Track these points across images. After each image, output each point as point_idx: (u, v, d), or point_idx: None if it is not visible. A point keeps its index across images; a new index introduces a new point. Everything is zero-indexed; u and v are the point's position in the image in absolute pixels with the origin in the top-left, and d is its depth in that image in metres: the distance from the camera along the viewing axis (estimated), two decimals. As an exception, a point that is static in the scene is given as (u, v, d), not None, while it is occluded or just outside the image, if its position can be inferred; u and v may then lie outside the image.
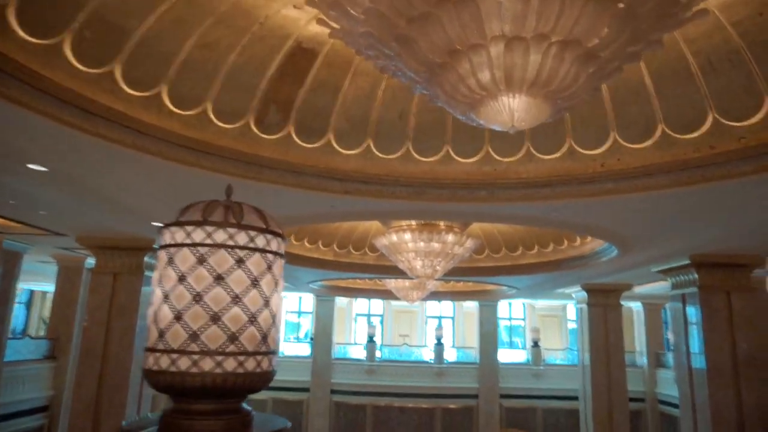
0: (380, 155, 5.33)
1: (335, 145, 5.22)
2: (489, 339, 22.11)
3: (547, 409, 21.85)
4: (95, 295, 12.13)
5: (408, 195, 5.43)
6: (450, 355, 22.60)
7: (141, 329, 12.15)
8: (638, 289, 19.36)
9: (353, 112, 5.10)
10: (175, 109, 4.42)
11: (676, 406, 20.29)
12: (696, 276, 12.02)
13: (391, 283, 14.99)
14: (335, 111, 5.05)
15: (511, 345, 26.17)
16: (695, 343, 12.07)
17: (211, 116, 4.59)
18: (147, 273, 12.37)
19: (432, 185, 5.38)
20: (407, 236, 8.41)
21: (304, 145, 5.13)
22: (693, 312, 12.21)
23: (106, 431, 11.34)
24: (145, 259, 12.33)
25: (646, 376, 22.08)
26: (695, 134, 4.66)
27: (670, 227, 7.21)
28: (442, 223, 8.57)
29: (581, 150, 5.13)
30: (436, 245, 8.36)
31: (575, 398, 20.16)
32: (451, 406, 21.54)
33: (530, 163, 5.26)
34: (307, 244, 11.31)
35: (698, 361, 11.90)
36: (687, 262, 11.85)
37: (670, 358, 21.08)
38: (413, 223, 8.52)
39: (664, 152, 4.81)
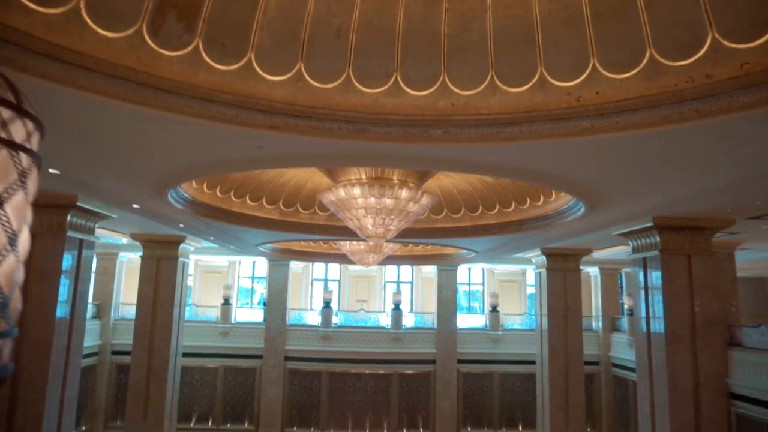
0: (314, 83, 4.34)
1: (257, 68, 4.20)
2: (447, 304, 21.73)
3: (504, 374, 21.80)
4: (9, 258, 10.76)
5: (348, 133, 4.48)
6: (408, 320, 22.17)
7: (62, 295, 10.97)
8: (596, 254, 19.21)
9: (279, 27, 4.09)
10: (33, 5, 3.32)
11: (629, 369, 20.53)
12: (658, 239, 11.64)
13: (346, 246, 14.15)
14: (256, 24, 4.02)
15: (470, 310, 25.99)
16: (654, 308, 11.80)
17: (86, 17, 3.48)
18: (70, 234, 11.11)
19: (377, 121, 4.44)
20: (356, 191, 7.52)
21: (218, 66, 4.09)
22: (653, 276, 11.88)
23: (25, 408, 10.25)
24: (69, 217, 11.05)
25: (600, 340, 22.22)
26: (690, 60, 3.87)
27: (646, 178, 6.53)
28: (395, 177, 7.71)
29: (554, 81, 4.28)
30: (388, 201, 7.51)
31: (532, 362, 20.09)
32: (409, 371, 21.22)
33: (493, 96, 4.39)
34: (249, 201, 10.27)
35: (657, 326, 11.62)
36: (650, 224, 11.43)
37: (624, 322, 21.23)
38: (363, 176, 7.62)
39: (651, 83, 4.00)
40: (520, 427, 21.48)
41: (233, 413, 21.06)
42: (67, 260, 11.04)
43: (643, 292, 12.07)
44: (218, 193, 9.63)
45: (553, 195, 9.38)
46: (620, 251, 17.50)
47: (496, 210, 10.72)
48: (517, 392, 21.78)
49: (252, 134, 4.50)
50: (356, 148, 4.95)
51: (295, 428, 20.56)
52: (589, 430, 18.42)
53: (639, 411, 12.11)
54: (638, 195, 7.80)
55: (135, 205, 10.05)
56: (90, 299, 21.23)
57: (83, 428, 20.00)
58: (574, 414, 17.76)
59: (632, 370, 20.13)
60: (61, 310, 10.85)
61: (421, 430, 20.89)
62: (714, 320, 11.31)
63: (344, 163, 6.73)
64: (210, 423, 20.84)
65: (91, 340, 20.26)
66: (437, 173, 8.45)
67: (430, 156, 5.34)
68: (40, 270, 10.67)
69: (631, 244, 12.65)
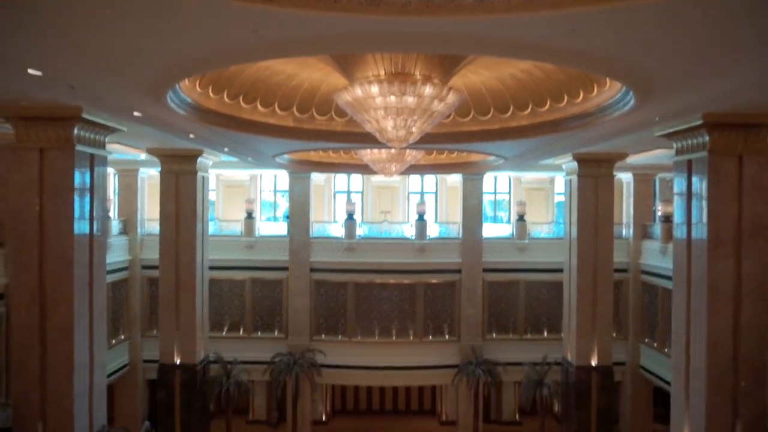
0: (316, -58, 3.50)
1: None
2: (473, 213, 21.24)
3: (530, 282, 21.65)
4: (20, 174, 10.48)
5: (359, 5, 3.68)
6: (432, 231, 21.86)
7: (79, 212, 10.72)
8: (631, 159, 18.16)
9: None
10: None
11: (658, 276, 20.08)
12: (706, 138, 10.63)
13: (367, 155, 13.48)
14: None
15: (496, 220, 25.53)
16: (697, 213, 11.05)
17: None
18: (79, 148, 10.67)
19: (394, -10, 3.61)
20: (374, 89, 6.73)
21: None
22: (698, 179, 11.02)
23: (54, 322, 10.36)
24: (76, 131, 10.56)
25: (630, 247, 21.66)
26: None
27: (708, 59, 5.56)
28: (417, 72, 6.86)
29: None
30: (410, 100, 6.72)
31: (559, 271, 19.79)
32: (434, 281, 21.23)
33: (539, -48, 3.49)
34: (260, 107, 9.55)
35: (699, 231, 10.93)
36: (699, 123, 10.42)
37: (657, 229, 20.50)
38: (382, 72, 6.79)
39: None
40: (545, 333, 21.64)
41: (263, 323, 21.63)
42: (80, 176, 10.69)
43: (685, 196, 11.27)
44: (226, 98, 8.94)
45: (595, 90, 8.42)
46: (658, 155, 16.44)
47: (529, 110, 9.80)
48: (543, 300, 21.73)
49: (246, 12, 3.73)
50: (369, 27, 4.14)
51: (323, 336, 21.09)
52: (614, 336, 18.35)
53: (673, 318, 11.74)
54: (696, 81, 6.84)
55: (136, 113, 9.46)
56: (115, 216, 21.54)
57: (122, 337, 20.83)
58: (600, 321, 17.65)
59: (662, 276, 19.74)
60: (80, 227, 10.66)
61: (447, 336, 21.23)
62: (763, 225, 10.54)
63: (355, 47, 5.83)
64: (241, 332, 21.50)
65: (120, 255, 20.61)
66: (464, 67, 7.51)
67: (458, 34, 4.47)
68: (52, 186, 10.39)
69: (675, 145, 11.68)
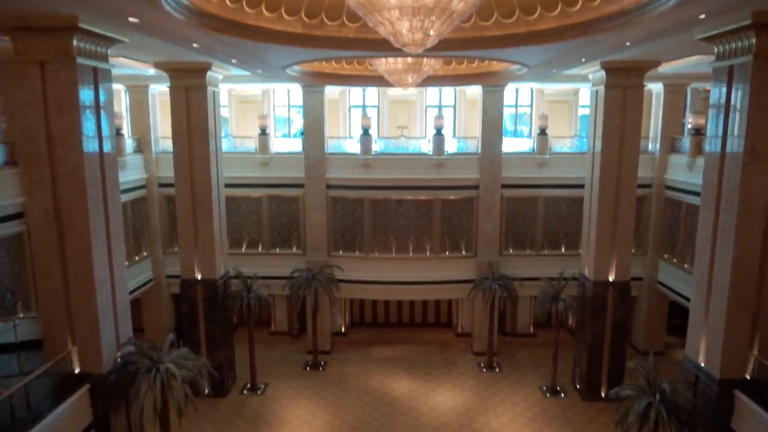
0: None
1: None
2: (492, 127, 20.50)
3: (549, 198, 21.26)
4: (22, 90, 10.12)
5: None
6: (451, 146, 21.25)
7: (87, 129, 10.44)
8: (663, 68, 17.00)
9: None
10: None
11: (683, 191, 19.49)
12: (753, 41, 9.74)
13: (382, 65, 12.74)
14: None
15: (516, 134, 24.68)
16: (734, 125, 10.36)
17: None
18: (80, 61, 10.18)
19: None
20: (388, -15, 6.06)
21: None
22: (738, 88, 10.23)
23: (72, 241, 10.41)
24: (75, 42, 10.03)
25: (656, 162, 20.93)
26: None
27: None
28: (436, -33, 6.12)
29: None
30: (427, -2, 6.06)
31: (580, 186, 19.30)
32: (451, 197, 20.95)
33: None
34: (265, 11, 8.85)
35: (735, 144, 10.31)
36: (746, 22, 9.49)
37: (685, 143, 19.65)
38: (396, -34, 6.08)
39: None
40: (562, 249, 21.56)
41: (281, 239, 21.85)
42: (84, 91, 10.30)
43: (723, 106, 10.53)
44: (228, 1, 8.26)
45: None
46: (694, 62, 15.33)
47: (558, 10, 8.94)
48: (562, 216, 21.44)
49: None
50: None
51: (340, 252, 21.29)
52: (633, 251, 18.15)
53: (699, 233, 11.39)
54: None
55: (132, 19, 8.87)
56: (128, 134, 21.26)
57: (144, 254, 21.31)
58: (620, 236, 17.38)
59: (687, 192, 19.18)
60: (89, 145, 10.43)
61: (464, 252, 21.27)
62: (806, 136, 9.86)
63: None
64: (260, 248, 21.80)
65: (136, 173, 20.59)
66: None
67: None
68: (57, 102, 10.05)
69: (716, 49, 10.76)
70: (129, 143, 20.40)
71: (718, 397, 10.69)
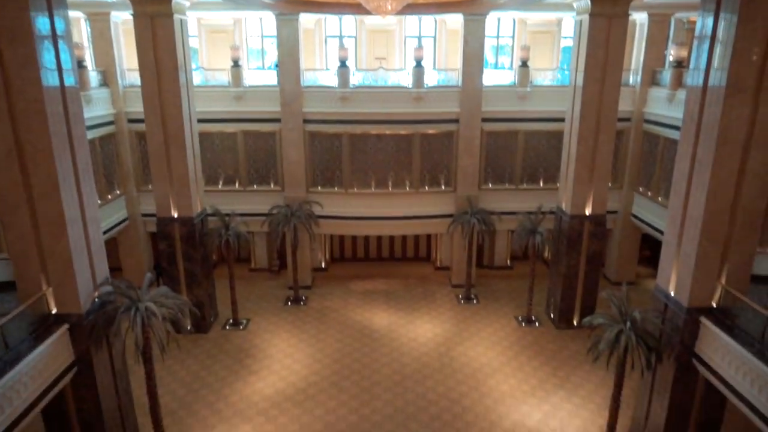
0: None
1: None
2: (473, 59, 19.93)
3: (529, 132, 21.12)
4: (-31, 15, 9.32)
5: None
6: (431, 78, 20.68)
7: (45, 61, 9.77)
8: (648, -4, 16.61)
9: None
10: None
11: (662, 125, 19.51)
12: (743, -33, 9.41)
13: (359, -9, 12.11)
14: None
15: (497, 66, 24.12)
16: (718, 57, 10.18)
17: None
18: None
19: None
20: None
21: None
22: (726, 18, 9.96)
23: (38, 179, 9.99)
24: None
25: (636, 95, 20.80)
26: None
27: None
28: None
29: None
30: None
31: (560, 120, 19.17)
32: (431, 131, 20.64)
33: None
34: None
35: (717, 77, 10.18)
36: (738, -55, 9.12)
37: (666, 76, 19.47)
38: None
39: None
40: (541, 184, 21.68)
41: (258, 176, 21.48)
42: (39, 20, 9.56)
43: (709, 37, 10.30)
44: None
45: None
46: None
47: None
48: (542, 150, 21.40)
49: None
50: None
51: (319, 188, 21.08)
52: (609, 185, 18.34)
53: (676, 167, 11.46)
54: None
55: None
56: (92, 66, 20.19)
57: (117, 192, 20.82)
58: (599, 170, 17.49)
59: (665, 126, 19.21)
60: (49, 78, 9.81)
61: (443, 187, 21.25)
62: (788, 67, 9.76)
63: None
64: (237, 185, 21.43)
65: (103, 108, 19.71)
66: None
67: None
68: (8, 31, 9.32)
69: (705, -25, 10.39)
70: (93, 76, 19.41)
71: (685, 324, 11.16)
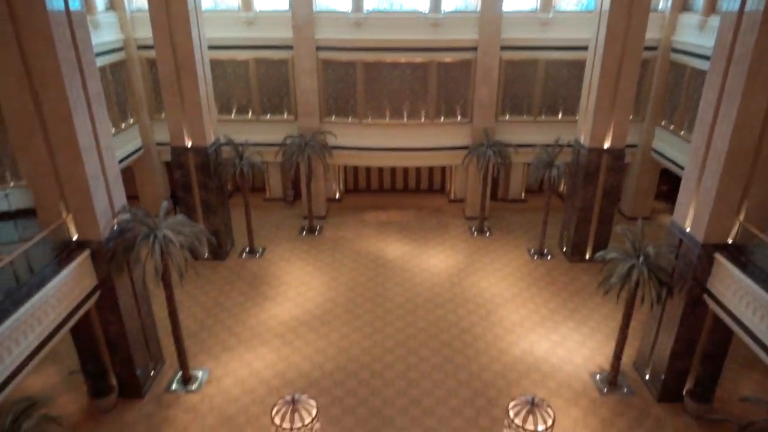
0: None
1: None
2: (494, -18, 18.89)
3: (550, 61, 20.32)
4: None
5: None
6: (448, 4, 19.73)
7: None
8: None
9: None
10: None
11: (691, 54, 18.62)
12: None
13: None
14: None
15: (519, -11, 22.90)
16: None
17: None
18: None
19: None
20: None
21: None
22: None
23: (50, 107, 9.91)
24: None
25: (665, 21, 19.71)
26: None
27: None
28: None
29: None
30: None
31: (583, 48, 18.33)
32: (447, 59, 19.95)
33: None
34: None
35: (756, 1, 9.55)
36: None
37: (699, 0, 18.35)
38: None
39: None
40: (560, 115, 21.13)
41: (271, 105, 21.18)
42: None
43: (750, -44, 9.56)
44: None
45: None
46: None
47: None
48: (562, 80, 20.68)
49: None
50: None
51: (333, 118, 20.78)
52: (631, 117, 17.79)
53: (702, 99, 11.00)
54: None
55: None
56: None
57: (130, 120, 20.76)
58: (621, 102, 16.91)
59: (694, 55, 18.34)
60: (53, 1, 9.47)
61: (459, 118, 20.83)
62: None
63: None
64: (249, 115, 21.21)
65: (111, 34, 19.29)
66: None
67: None
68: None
69: None
70: (99, 0, 18.82)
71: (699, 260, 11.13)
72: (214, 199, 17.96)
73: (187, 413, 12.06)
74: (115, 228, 11.38)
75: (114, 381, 12.37)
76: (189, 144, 17.18)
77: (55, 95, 9.73)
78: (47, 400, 7.73)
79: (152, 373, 13.05)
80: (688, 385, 12.39)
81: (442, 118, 20.77)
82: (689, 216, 11.51)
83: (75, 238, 10.86)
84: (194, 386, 12.83)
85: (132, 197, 19.33)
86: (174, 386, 12.88)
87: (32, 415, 7.33)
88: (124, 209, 11.61)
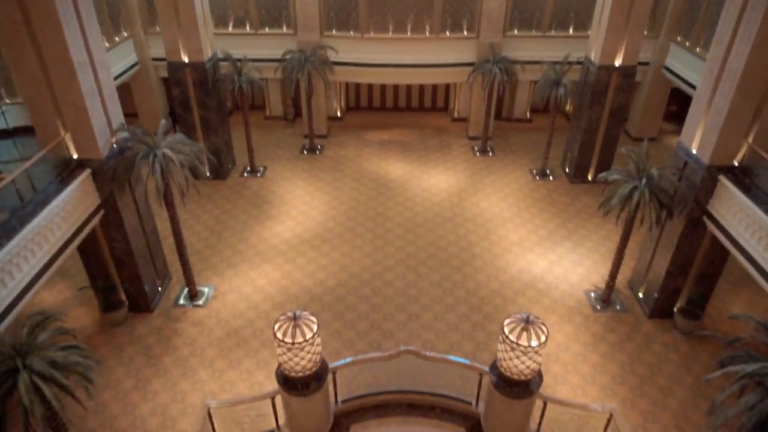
0: None
1: None
2: None
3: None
4: None
5: None
6: None
7: None
8: None
9: None
10: None
11: (714, -39, 17.51)
12: None
13: None
14: None
15: None
16: None
17: None
18: None
19: None
20: None
21: None
22: None
23: (39, 19, 9.48)
24: None
25: (691, -76, 18.33)
26: None
27: None
28: None
29: None
30: None
31: (600, -44, 17.20)
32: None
33: None
34: None
35: None
36: None
37: None
38: None
39: None
40: (570, 30, 20.22)
41: (269, 17, 20.26)
42: None
43: None
44: None
45: None
46: None
47: None
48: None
49: None
50: None
51: (334, 31, 19.94)
52: (645, 33, 16.99)
53: (723, 14, 10.46)
54: None
55: None
56: None
57: (125, 34, 19.99)
58: (636, 16, 16.09)
59: (718, -37, 17.22)
60: None
61: (465, 32, 19.96)
62: None
63: None
64: (247, 28, 20.34)
65: (97, -64, 18.06)
66: None
67: None
68: None
69: None
70: None
71: (703, 182, 11.08)
72: (214, 117, 17.65)
73: (195, 326, 12.57)
74: (114, 147, 11.27)
75: (123, 296, 12.79)
76: (186, 59, 16.62)
77: (43, 7, 9.28)
78: (60, 314, 8.00)
79: (160, 289, 13.47)
80: (680, 303, 12.77)
81: (448, 32, 19.91)
82: (697, 137, 11.32)
83: (75, 156, 10.78)
84: (201, 301, 13.28)
85: (130, 115, 18.99)
86: (181, 301, 13.34)
87: (47, 328, 7.63)
88: (122, 127, 11.44)
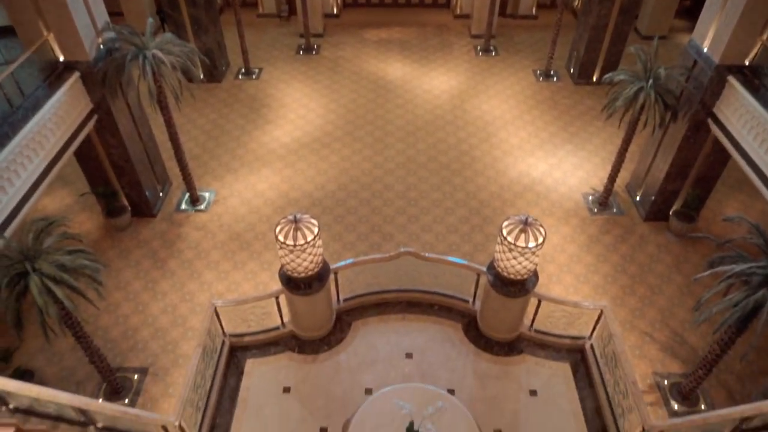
0: None
1: None
2: None
3: None
4: None
5: None
6: None
7: None
8: None
9: None
10: None
11: None
12: None
13: None
14: None
15: None
16: None
17: None
18: None
19: None
20: None
21: None
22: None
23: None
24: None
25: None
26: None
27: None
28: None
29: None
30: None
31: None
32: None
33: None
34: None
35: None
36: None
37: None
38: None
39: None
40: None
41: None
42: None
43: None
44: None
45: None
46: None
47: None
48: None
49: None
50: None
51: None
52: None
53: None
54: None
55: None
56: None
57: None
58: None
59: None
60: None
61: None
62: None
63: None
64: None
65: None
66: None
67: None
68: None
69: None
70: None
71: (711, 82, 10.75)
72: (204, 16, 16.78)
73: (198, 230, 12.80)
74: (101, 48, 10.81)
75: (125, 201, 12.89)
76: (169, -51, 15.48)
77: None
78: (64, 218, 8.08)
79: (161, 194, 13.55)
80: (676, 206, 12.91)
81: None
82: (709, 34, 10.83)
83: (62, 59, 10.37)
84: (202, 206, 13.42)
85: (115, 14, 18.02)
86: (183, 206, 13.48)
87: (52, 233, 7.74)
88: (107, 26, 10.90)
